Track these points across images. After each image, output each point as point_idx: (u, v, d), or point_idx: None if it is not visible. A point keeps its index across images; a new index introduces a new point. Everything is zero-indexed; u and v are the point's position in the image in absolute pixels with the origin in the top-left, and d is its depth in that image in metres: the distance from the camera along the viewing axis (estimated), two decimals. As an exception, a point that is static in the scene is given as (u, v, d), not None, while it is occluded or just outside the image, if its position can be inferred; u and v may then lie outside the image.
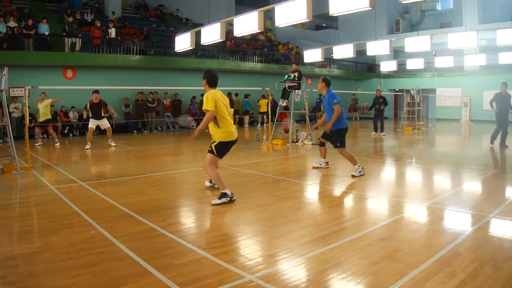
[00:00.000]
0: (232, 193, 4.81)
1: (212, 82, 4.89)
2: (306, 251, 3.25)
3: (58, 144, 11.46)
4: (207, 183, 5.72)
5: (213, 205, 4.70)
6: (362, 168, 6.48)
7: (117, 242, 3.45)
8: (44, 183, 6.17)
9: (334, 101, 6.40)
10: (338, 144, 6.51)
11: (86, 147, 10.36)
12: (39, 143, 11.62)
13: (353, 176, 6.34)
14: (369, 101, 16.62)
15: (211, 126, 4.85)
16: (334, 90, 6.64)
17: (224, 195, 4.77)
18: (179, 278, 2.75)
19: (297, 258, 3.11)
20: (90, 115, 10.71)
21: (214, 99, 4.69)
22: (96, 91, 10.72)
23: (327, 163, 7.08)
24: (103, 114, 10.84)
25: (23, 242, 3.57)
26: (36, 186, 6.03)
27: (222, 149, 4.83)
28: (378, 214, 4.42)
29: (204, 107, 4.72)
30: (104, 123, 10.89)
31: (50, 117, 11.72)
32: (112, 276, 2.83)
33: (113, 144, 10.89)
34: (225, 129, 4.78)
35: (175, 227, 4.00)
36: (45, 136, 13.08)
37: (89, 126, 10.71)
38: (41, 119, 11.52)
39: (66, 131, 14.49)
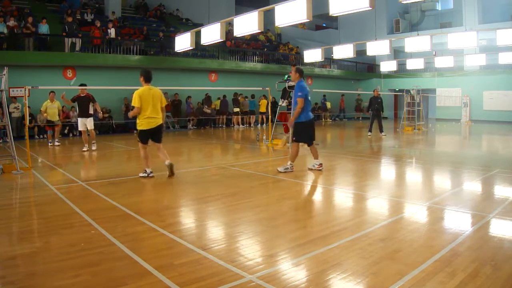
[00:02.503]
0: (151, 171, 6.34)
1: (148, 78, 6.10)
2: (306, 251, 3.25)
3: (57, 144, 11.40)
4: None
5: (140, 176, 6.33)
6: (291, 166, 6.63)
7: (117, 242, 3.45)
8: (44, 183, 6.17)
9: (299, 94, 6.29)
10: (294, 138, 6.42)
11: (83, 149, 10.04)
12: (57, 143, 11.40)
13: (278, 171, 6.56)
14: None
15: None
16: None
17: (144, 171, 6.38)
18: (179, 278, 2.75)
19: (297, 258, 3.11)
20: (76, 112, 10.18)
21: (140, 96, 5.94)
22: (83, 85, 10.24)
23: (320, 165, 6.96)
24: (90, 112, 10.21)
25: (23, 242, 3.57)
26: (36, 186, 6.03)
27: (141, 136, 6.18)
28: (378, 214, 4.42)
29: (132, 103, 6.04)
30: (90, 124, 10.27)
31: (58, 118, 11.71)
32: (112, 276, 2.83)
33: (94, 148, 10.24)
34: (141, 120, 6.04)
35: (175, 227, 4.00)
36: (42, 136, 13.28)
37: (80, 129, 10.30)
38: (51, 118, 11.46)
39: (66, 131, 14.49)
